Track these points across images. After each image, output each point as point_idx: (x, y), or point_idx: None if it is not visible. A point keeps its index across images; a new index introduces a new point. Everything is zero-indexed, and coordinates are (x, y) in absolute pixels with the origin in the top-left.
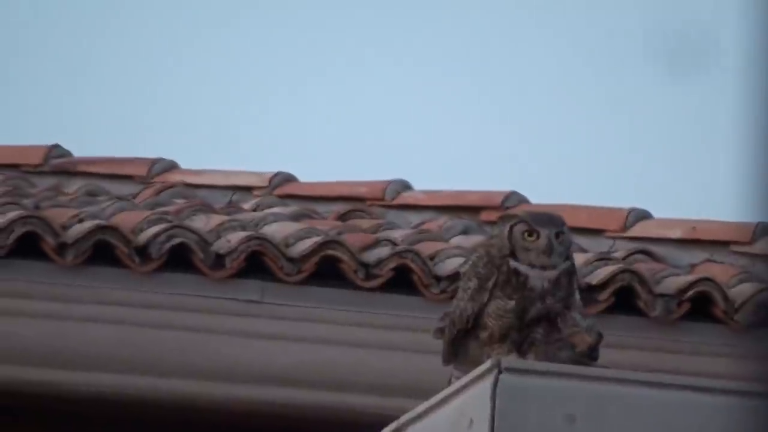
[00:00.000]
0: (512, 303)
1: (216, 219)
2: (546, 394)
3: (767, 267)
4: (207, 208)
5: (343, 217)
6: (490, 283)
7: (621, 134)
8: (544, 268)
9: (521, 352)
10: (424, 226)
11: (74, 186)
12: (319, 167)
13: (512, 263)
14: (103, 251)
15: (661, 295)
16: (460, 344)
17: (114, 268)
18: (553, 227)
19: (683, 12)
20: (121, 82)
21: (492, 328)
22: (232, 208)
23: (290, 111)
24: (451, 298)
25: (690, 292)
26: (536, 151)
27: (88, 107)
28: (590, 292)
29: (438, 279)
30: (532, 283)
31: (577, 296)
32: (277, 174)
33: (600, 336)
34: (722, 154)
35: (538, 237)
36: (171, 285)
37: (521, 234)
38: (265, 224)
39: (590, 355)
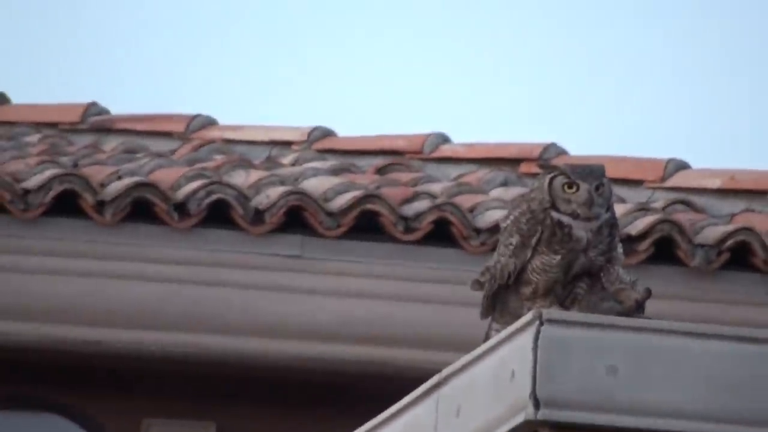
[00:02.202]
0: (558, 258)
1: (255, 174)
2: (588, 346)
3: None
4: (246, 164)
5: (381, 170)
6: (534, 240)
7: (659, 85)
8: (587, 219)
9: (564, 307)
10: (463, 179)
11: (112, 143)
12: (357, 121)
13: (554, 215)
14: (141, 208)
15: (701, 245)
16: (499, 298)
17: (153, 225)
18: (593, 179)
19: None
20: (159, 39)
21: (537, 282)
22: (271, 163)
23: (329, 65)
24: (491, 250)
25: (729, 242)
26: (575, 102)
27: (126, 64)
28: (630, 242)
29: (477, 231)
30: (577, 234)
31: (620, 250)
32: (315, 128)
33: (649, 292)
34: (761, 102)
35: (578, 189)
36: (210, 241)
37: (561, 186)
38: (304, 179)
39: (637, 312)
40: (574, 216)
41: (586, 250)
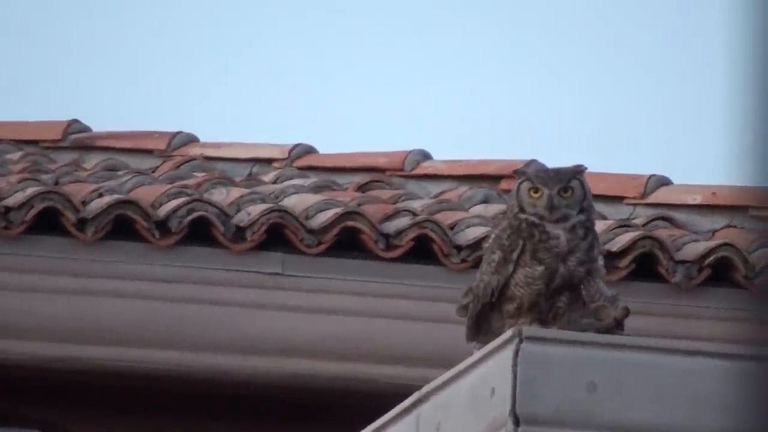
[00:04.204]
0: (541, 268)
1: (236, 192)
2: (567, 363)
3: None
4: (227, 181)
5: (362, 188)
6: (515, 255)
7: (639, 101)
8: (555, 221)
9: (545, 323)
10: (444, 196)
11: (93, 161)
12: (338, 138)
13: (522, 216)
14: (123, 226)
15: (682, 262)
16: (484, 320)
17: (134, 243)
18: (556, 183)
19: None
20: (139, 56)
21: (521, 297)
22: (252, 180)
23: (310, 83)
24: (472, 267)
25: (710, 258)
26: (556, 119)
27: (107, 82)
28: (611, 258)
29: (458, 248)
30: (553, 232)
31: (601, 262)
32: (296, 146)
33: (627, 310)
34: (740, 117)
35: (541, 194)
36: (192, 259)
37: (527, 191)
38: (285, 196)
39: (616, 330)
40: (540, 218)
41: (565, 258)
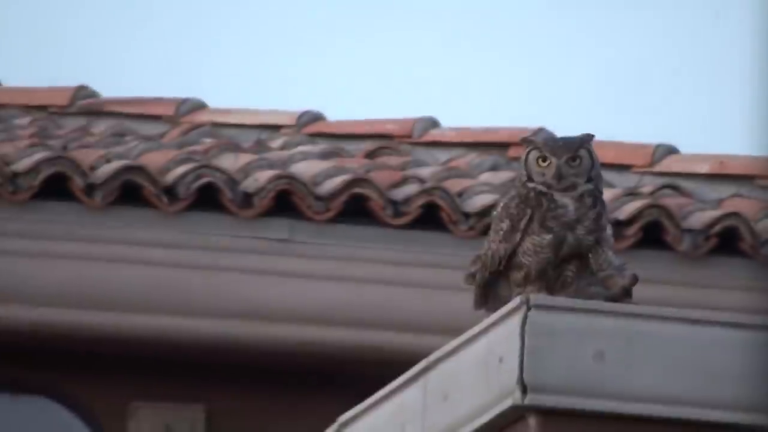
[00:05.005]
0: (549, 237)
1: (244, 158)
2: (575, 331)
3: None
4: (235, 147)
5: (371, 154)
6: (523, 223)
7: (649, 69)
8: (563, 190)
9: (553, 292)
10: (452, 163)
11: (101, 126)
12: (347, 105)
13: (531, 184)
14: (130, 191)
15: (689, 230)
16: (491, 288)
17: (142, 208)
18: (564, 152)
19: None
20: (148, 22)
21: (529, 266)
22: (260, 146)
23: (319, 49)
24: (480, 234)
25: (717, 227)
26: (564, 87)
27: (115, 48)
28: (618, 227)
29: (466, 216)
30: (561, 200)
31: (609, 232)
32: (305, 112)
33: (635, 279)
34: (749, 85)
35: (549, 163)
36: (199, 224)
37: (535, 160)
38: (293, 163)
39: (624, 298)
40: (548, 187)
41: (573, 227)
